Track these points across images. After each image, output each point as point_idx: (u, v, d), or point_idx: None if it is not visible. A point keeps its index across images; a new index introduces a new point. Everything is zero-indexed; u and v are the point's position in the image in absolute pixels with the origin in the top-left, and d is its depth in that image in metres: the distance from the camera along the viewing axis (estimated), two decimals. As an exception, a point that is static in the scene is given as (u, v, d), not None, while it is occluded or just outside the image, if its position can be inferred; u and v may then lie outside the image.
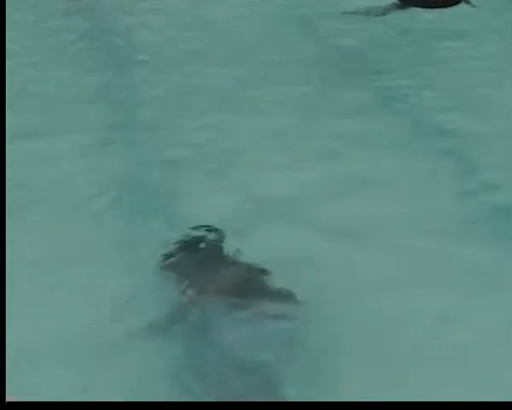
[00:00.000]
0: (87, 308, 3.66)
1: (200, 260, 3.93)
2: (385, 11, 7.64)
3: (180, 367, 3.36)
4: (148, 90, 6.19)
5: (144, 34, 7.40)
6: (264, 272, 3.77)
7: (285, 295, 3.64)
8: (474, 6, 7.18)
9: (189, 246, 4.01)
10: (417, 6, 7.38)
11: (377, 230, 4.21)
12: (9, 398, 2.87)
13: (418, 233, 4.18)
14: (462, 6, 7.20)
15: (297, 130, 5.49)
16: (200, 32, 7.41)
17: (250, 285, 3.74)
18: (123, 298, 3.72)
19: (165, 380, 3.30)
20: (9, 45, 6.64)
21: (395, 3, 7.58)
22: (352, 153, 5.11)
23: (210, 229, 4.09)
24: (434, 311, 3.60)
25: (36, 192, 4.70)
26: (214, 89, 6.16)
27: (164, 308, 3.64)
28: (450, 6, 7.20)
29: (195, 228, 4.10)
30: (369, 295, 3.70)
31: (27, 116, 5.61)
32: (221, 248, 3.96)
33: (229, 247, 3.96)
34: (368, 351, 3.39)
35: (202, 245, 4.03)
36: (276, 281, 3.70)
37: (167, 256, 3.92)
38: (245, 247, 3.93)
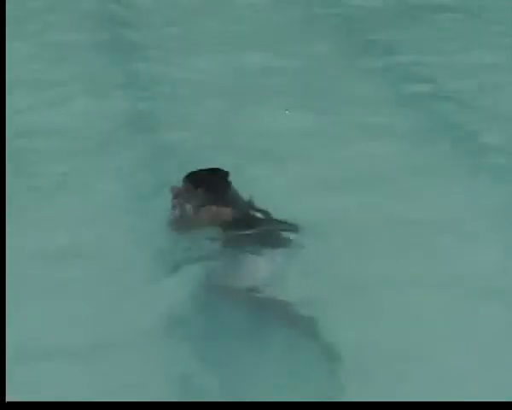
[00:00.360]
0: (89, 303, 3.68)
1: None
2: None
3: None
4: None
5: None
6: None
7: None
8: None
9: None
10: None
11: (377, 224, 4.18)
12: (9, 398, 2.89)
13: (420, 229, 4.13)
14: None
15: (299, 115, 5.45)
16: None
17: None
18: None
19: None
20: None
21: None
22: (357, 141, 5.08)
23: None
24: (434, 309, 3.59)
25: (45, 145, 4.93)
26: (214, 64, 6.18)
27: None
28: None
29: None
30: (369, 292, 3.69)
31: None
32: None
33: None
34: (367, 349, 3.38)
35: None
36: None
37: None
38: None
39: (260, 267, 3.71)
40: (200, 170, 3.99)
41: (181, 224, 3.93)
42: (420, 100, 5.68)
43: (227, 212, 3.83)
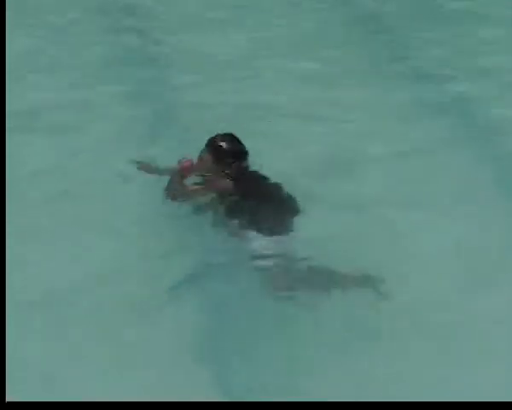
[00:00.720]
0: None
1: None
2: None
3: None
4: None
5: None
6: None
7: None
8: None
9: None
10: None
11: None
12: (9, 398, 2.90)
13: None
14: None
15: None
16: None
17: None
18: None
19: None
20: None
21: None
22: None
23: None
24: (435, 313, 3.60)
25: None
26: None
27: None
28: None
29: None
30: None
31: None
32: None
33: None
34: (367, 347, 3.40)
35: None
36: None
37: None
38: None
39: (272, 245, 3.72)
40: (221, 139, 3.96)
41: (189, 193, 3.92)
42: (442, 106, 5.45)
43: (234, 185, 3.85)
